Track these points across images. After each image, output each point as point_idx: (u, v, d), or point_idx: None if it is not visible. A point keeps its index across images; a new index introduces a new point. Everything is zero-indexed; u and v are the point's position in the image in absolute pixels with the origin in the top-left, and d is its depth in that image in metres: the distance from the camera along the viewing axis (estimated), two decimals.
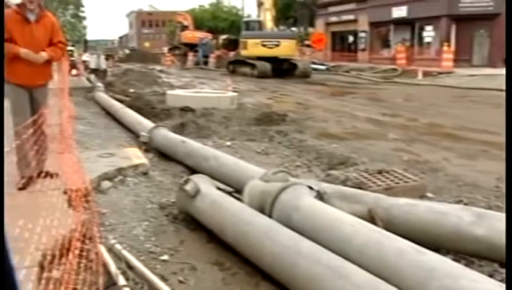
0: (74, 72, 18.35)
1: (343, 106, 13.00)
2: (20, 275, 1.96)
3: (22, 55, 4.51)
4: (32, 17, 4.61)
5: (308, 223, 3.13)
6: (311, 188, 3.58)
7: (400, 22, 32.57)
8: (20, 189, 4.32)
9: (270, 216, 3.32)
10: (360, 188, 4.32)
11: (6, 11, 4.80)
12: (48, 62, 4.77)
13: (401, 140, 8.01)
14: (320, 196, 3.57)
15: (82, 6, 76.86)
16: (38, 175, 4.67)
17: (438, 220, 3.19)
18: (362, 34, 36.59)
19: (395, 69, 26.45)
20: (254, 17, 32.66)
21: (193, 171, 5.29)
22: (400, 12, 31.74)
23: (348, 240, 2.82)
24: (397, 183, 4.66)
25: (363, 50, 36.30)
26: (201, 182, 3.93)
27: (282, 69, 25.55)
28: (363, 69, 28.55)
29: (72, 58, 21.19)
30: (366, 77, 25.42)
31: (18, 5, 4.65)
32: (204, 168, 5.08)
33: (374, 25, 35.26)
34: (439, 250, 2.94)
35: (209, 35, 42.09)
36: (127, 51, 57.36)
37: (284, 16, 43.97)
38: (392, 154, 6.80)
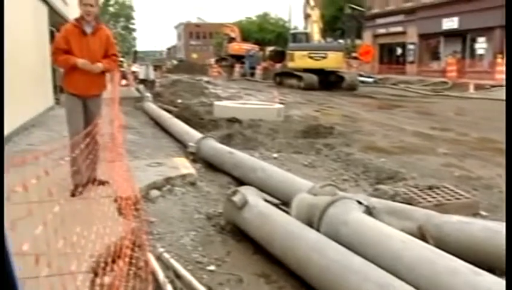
0: (124, 82, 18.86)
1: (391, 119, 12.81)
2: (78, 281, 2.03)
3: (79, 65, 4.71)
4: (88, 30, 4.83)
5: (357, 238, 3.09)
6: (359, 202, 3.54)
7: (450, 34, 31.90)
8: (72, 196, 4.47)
9: (317, 230, 3.31)
10: (409, 203, 4.23)
11: (66, 24, 5.04)
12: (102, 73, 4.96)
13: (452, 155, 7.81)
14: (369, 211, 3.53)
15: (133, 18, 79.21)
16: (92, 183, 4.83)
17: (492, 239, 3.09)
18: (411, 46, 36.04)
19: (445, 82, 25.87)
20: (301, 29, 32.72)
21: (240, 182, 5.33)
22: (450, 23, 31.09)
23: (398, 256, 2.77)
24: (448, 199, 4.55)
25: (412, 62, 35.72)
26: (248, 193, 3.95)
27: (329, 81, 25.43)
28: (412, 82, 28.06)
29: (122, 69, 21.80)
30: (415, 89, 24.96)
31: (76, 19, 4.89)
32: (252, 180, 5.11)
33: (423, 36, 34.68)
34: (493, 271, 2.84)
35: (256, 47, 42.41)
36: (175, 62, 58.49)
37: (331, 28, 43.83)
38: (442, 170, 6.64)
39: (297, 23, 54.79)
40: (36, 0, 11.23)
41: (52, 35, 13.74)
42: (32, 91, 10.52)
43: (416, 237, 3.09)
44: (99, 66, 4.81)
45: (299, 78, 25.44)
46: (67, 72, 4.91)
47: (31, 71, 10.45)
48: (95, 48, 4.86)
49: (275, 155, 7.14)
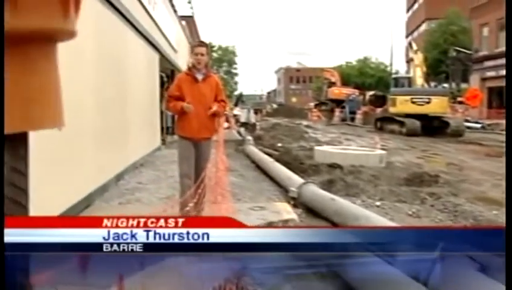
0: (226, 125, 19.54)
1: (502, 168, 12.04)
2: None
3: (184, 109, 5.06)
4: (199, 77, 5.20)
5: None
6: (472, 258, 3.34)
7: None
8: None
9: (425, 284, 3.16)
10: None
11: (180, 73, 5.46)
12: (213, 116, 5.24)
13: None
14: (484, 268, 3.31)
15: (235, 63, 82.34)
16: None
17: None
18: None
19: None
20: (403, 73, 32.21)
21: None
22: None
23: None
24: None
25: None
26: None
27: (432, 127, 24.60)
28: None
29: (225, 112, 22.64)
30: None
31: (189, 68, 5.30)
32: None
33: None
34: None
35: (356, 92, 42.28)
36: (275, 106, 59.71)
37: (434, 71, 42.69)
38: None
39: (398, 67, 54.09)
40: (149, 48, 12.10)
41: (161, 81, 14.70)
42: (143, 132, 11.24)
43: None
44: (213, 108, 5.13)
45: (401, 123, 24.89)
46: (179, 116, 5.27)
47: (143, 113, 11.19)
48: (206, 93, 5.21)
49: (378, 203, 6.97)
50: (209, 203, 5.32)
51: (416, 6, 60.04)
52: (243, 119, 23.20)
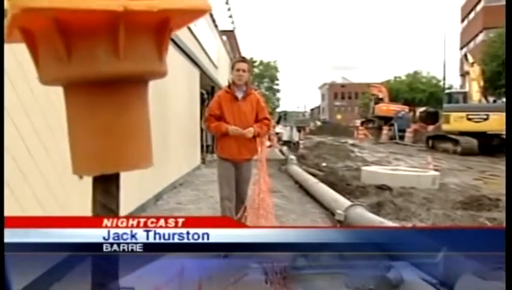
0: (268, 143, 19.58)
1: None
2: None
3: (230, 133, 5.09)
4: (239, 95, 5.24)
5: None
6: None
7: None
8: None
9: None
10: None
11: (219, 91, 5.55)
12: (254, 137, 5.26)
13: None
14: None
15: (277, 79, 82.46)
16: None
17: None
18: None
19: None
20: (457, 87, 31.56)
21: (392, 257, 5.17)
22: None
23: None
24: None
25: None
26: (404, 270, 3.82)
27: (491, 145, 23.89)
28: None
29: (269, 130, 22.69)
30: None
31: (228, 85, 5.36)
32: None
33: None
34: None
35: (406, 108, 41.64)
36: (319, 123, 59.42)
37: (493, 85, 41.66)
38: None
39: (452, 82, 53.04)
40: (190, 64, 12.33)
41: (202, 98, 14.93)
42: (183, 151, 11.41)
43: None
44: (251, 130, 5.14)
45: (455, 142, 24.35)
46: (219, 137, 5.32)
47: (183, 131, 11.38)
48: (246, 111, 5.22)
49: None
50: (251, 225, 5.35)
51: (472, 15, 58.95)
52: (285, 138, 23.20)
